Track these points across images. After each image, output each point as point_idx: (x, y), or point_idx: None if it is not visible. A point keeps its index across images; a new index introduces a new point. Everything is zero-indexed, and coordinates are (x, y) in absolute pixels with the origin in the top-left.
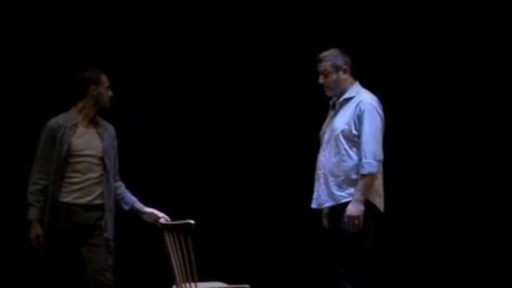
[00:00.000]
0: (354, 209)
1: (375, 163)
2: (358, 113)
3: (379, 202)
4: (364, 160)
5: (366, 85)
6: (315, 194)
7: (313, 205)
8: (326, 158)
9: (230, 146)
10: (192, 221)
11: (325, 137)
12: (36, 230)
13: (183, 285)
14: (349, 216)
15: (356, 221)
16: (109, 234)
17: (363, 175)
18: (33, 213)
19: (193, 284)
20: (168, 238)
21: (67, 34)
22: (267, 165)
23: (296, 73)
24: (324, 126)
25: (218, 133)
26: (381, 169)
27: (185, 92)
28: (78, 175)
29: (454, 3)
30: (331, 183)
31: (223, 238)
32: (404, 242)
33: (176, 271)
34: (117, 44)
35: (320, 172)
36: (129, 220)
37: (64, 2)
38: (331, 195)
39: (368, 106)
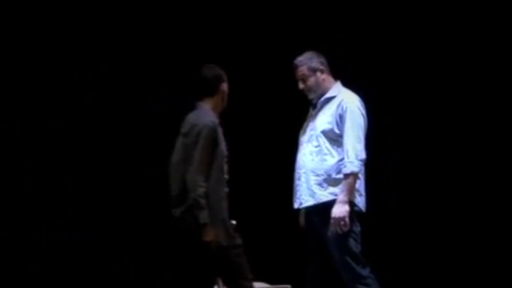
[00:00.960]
0: (338, 211)
1: (357, 163)
2: (340, 112)
3: (360, 201)
4: (346, 159)
5: (366, 85)
6: (297, 194)
7: (295, 205)
8: (306, 157)
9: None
10: (234, 221)
11: (305, 136)
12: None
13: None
14: (334, 218)
15: (342, 222)
16: None
17: (346, 175)
18: (207, 216)
19: None
20: None
21: (67, 34)
22: (270, 164)
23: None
24: (304, 126)
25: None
26: (362, 168)
27: (184, 92)
28: (226, 177)
29: (453, 4)
30: (312, 182)
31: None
32: (404, 243)
33: None
34: (115, 44)
35: (300, 171)
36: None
37: (64, 2)
38: (312, 194)
39: (350, 105)
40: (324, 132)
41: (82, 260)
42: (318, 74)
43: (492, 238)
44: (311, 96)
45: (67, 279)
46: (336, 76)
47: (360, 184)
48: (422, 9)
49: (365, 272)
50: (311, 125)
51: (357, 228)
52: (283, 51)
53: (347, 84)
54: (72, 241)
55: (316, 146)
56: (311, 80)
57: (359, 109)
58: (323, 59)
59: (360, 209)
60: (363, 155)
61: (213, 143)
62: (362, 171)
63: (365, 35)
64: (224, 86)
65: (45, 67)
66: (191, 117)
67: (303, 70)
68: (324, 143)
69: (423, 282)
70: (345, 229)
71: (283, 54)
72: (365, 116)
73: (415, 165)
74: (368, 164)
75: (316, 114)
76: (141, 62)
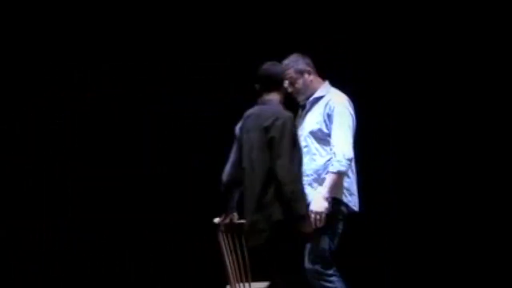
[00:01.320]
0: (317, 206)
1: (344, 162)
2: (328, 112)
3: (351, 200)
4: (333, 158)
5: (366, 85)
6: None
7: None
8: None
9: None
10: None
11: None
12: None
13: (237, 285)
14: (311, 211)
15: (318, 217)
16: None
17: (332, 173)
18: (305, 207)
19: (247, 284)
20: (222, 238)
21: (67, 34)
22: None
23: None
24: None
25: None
26: (353, 167)
27: (185, 93)
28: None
29: (452, 4)
30: (303, 182)
31: None
32: (404, 243)
33: (230, 271)
34: (115, 44)
35: None
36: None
37: (64, 2)
38: None
39: (338, 105)
40: (312, 132)
41: (82, 260)
42: (306, 75)
43: (492, 238)
44: (300, 98)
45: (67, 279)
46: (335, 76)
47: (351, 183)
48: (422, 9)
49: (329, 270)
50: (300, 126)
51: (337, 230)
52: (282, 51)
53: (346, 84)
54: (72, 241)
55: (305, 147)
56: (299, 83)
57: (347, 109)
58: (309, 60)
59: (352, 209)
60: (350, 155)
61: (295, 136)
62: (353, 170)
63: (365, 35)
64: (286, 82)
65: (45, 67)
66: (268, 111)
67: (290, 73)
68: (313, 143)
69: (423, 282)
70: (320, 225)
71: (282, 54)
72: (354, 115)
73: (415, 165)
74: (368, 164)
75: (305, 114)
76: (141, 62)
